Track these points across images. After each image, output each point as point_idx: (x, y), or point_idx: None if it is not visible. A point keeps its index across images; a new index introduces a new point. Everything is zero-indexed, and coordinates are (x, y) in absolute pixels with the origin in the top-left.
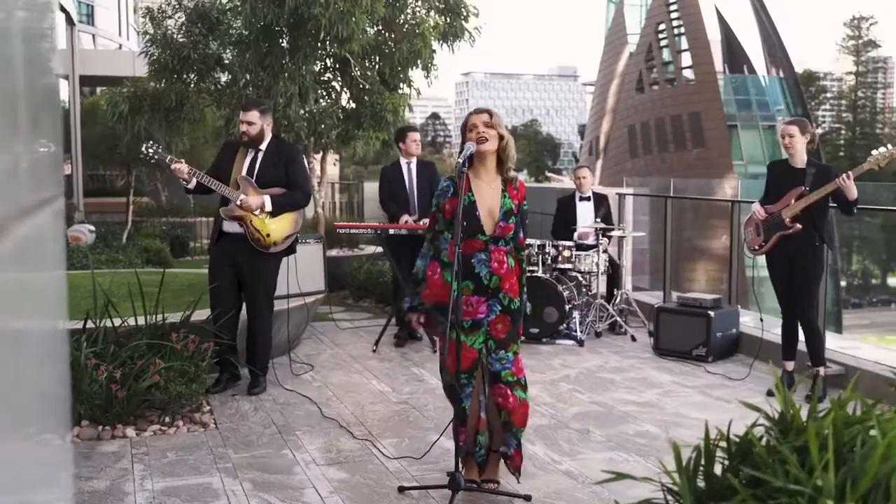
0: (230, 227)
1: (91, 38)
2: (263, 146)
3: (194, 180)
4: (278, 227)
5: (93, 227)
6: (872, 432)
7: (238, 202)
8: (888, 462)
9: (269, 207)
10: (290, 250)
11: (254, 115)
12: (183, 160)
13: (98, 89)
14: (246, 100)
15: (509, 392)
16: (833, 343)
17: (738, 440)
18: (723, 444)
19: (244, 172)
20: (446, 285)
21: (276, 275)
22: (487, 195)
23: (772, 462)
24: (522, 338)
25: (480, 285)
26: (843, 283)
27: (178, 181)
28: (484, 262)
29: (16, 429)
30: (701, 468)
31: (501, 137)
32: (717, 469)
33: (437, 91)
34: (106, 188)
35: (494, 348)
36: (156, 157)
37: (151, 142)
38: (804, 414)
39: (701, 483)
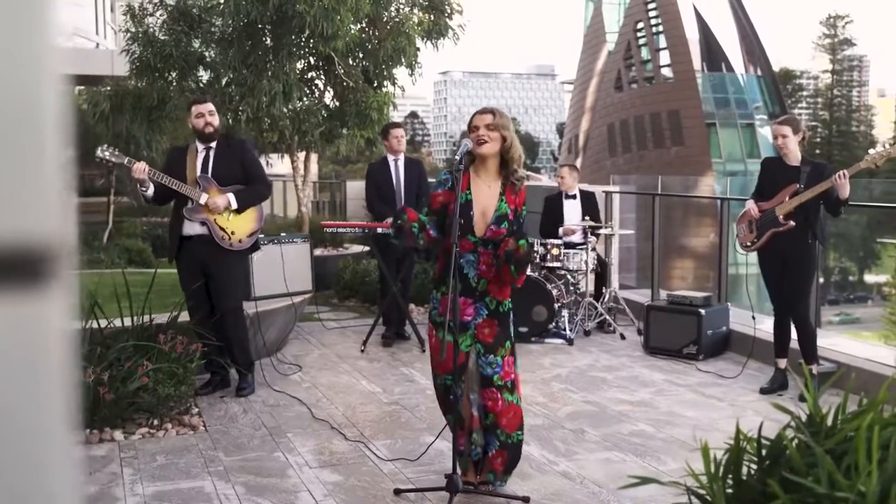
0: (191, 228)
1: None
2: (213, 144)
3: (151, 187)
4: (242, 225)
5: None
6: None
7: (203, 202)
8: None
9: (234, 205)
10: (254, 247)
11: (212, 107)
12: (142, 161)
13: (76, 88)
14: (194, 95)
15: (499, 396)
16: (826, 340)
17: (768, 443)
18: (748, 445)
19: (199, 171)
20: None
21: (243, 273)
22: (484, 196)
23: (808, 466)
24: (534, 336)
25: (468, 286)
26: (821, 280)
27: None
28: (472, 264)
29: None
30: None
31: (504, 139)
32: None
33: (415, 90)
34: (85, 188)
35: (483, 352)
36: (112, 159)
37: (106, 145)
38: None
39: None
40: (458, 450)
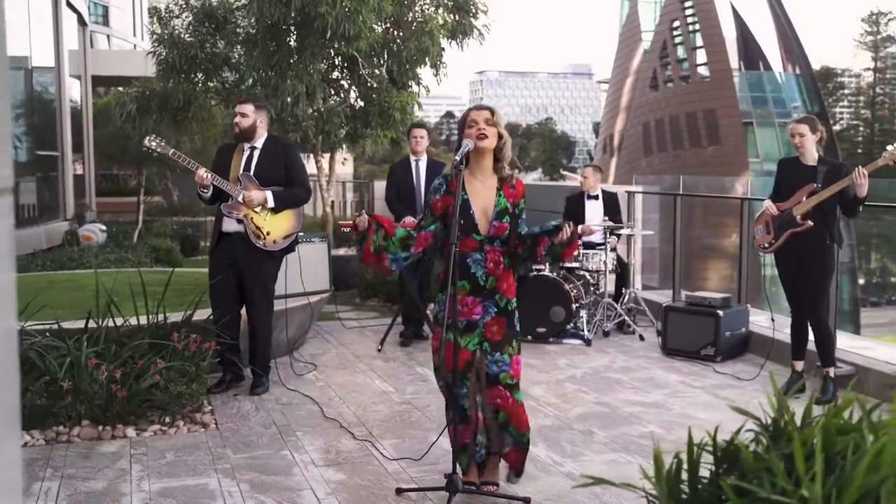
0: (229, 225)
1: (106, 39)
2: (259, 143)
3: (211, 189)
4: (278, 226)
5: (104, 227)
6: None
7: (240, 198)
8: (878, 471)
9: (271, 203)
10: (289, 249)
11: (248, 108)
12: (202, 168)
13: (113, 89)
14: (245, 95)
15: (508, 394)
16: (845, 342)
17: (725, 445)
18: (712, 448)
19: (242, 168)
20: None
21: (276, 274)
22: (482, 194)
23: (759, 470)
24: (529, 337)
25: (476, 286)
26: (861, 282)
27: (189, 181)
28: (480, 263)
29: None
30: (686, 474)
31: (500, 136)
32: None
33: (451, 89)
34: (118, 188)
35: (490, 350)
36: (158, 150)
37: (154, 135)
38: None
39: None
40: (455, 447)
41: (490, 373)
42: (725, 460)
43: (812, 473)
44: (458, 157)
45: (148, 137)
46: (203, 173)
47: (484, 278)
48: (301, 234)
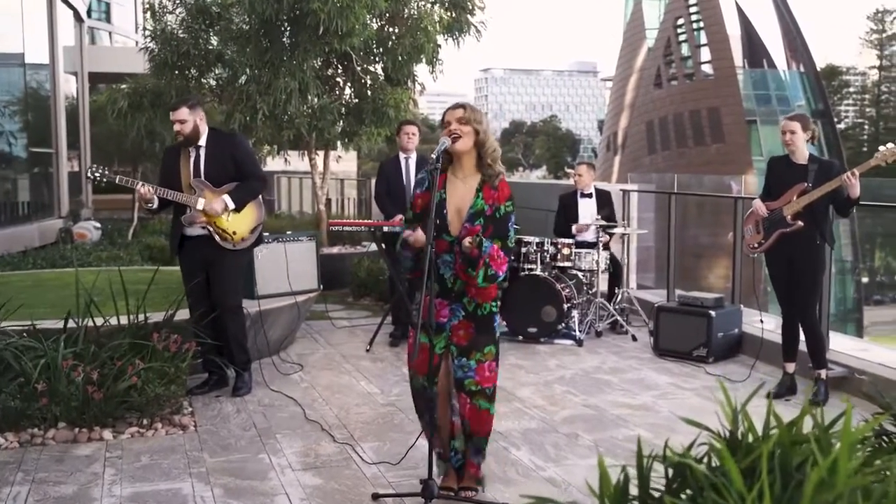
0: (192, 231)
1: (107, 36)
2: (203, 142)
3: (156, 201)
4: (243, 223)
5: (98, 224)
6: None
7: (199, 206)
8: (832, 489)
9: (232, 207)
10: (258, 242)
11: (183, 113)
12: (142, 182)
13: (113, 86)
14: (173, 100)
15: (468, 401)
16: (839, 344)
17: (677, 459)
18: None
19: (192, 174)
20: None
21: (244, 271)
22: (460, 194)
23: (709, 487)
24: (520, 337)
25: (444, 288)
26: (864, 280)
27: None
28: (449, 265)
29: None
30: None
31: (477, 133)
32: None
33: (456, 87)
34: (115, 185)
35: (456, 354)
36: (104, 180)
37: (95, 165)
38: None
39: None
40: (430, 451)
41: (456, 377)
42: (679, 475)
43: (760, 491)
44: (433, 156)
45: (90, 168)
46: (143, 189)
47: (452, 280)
48: (289, 232)
